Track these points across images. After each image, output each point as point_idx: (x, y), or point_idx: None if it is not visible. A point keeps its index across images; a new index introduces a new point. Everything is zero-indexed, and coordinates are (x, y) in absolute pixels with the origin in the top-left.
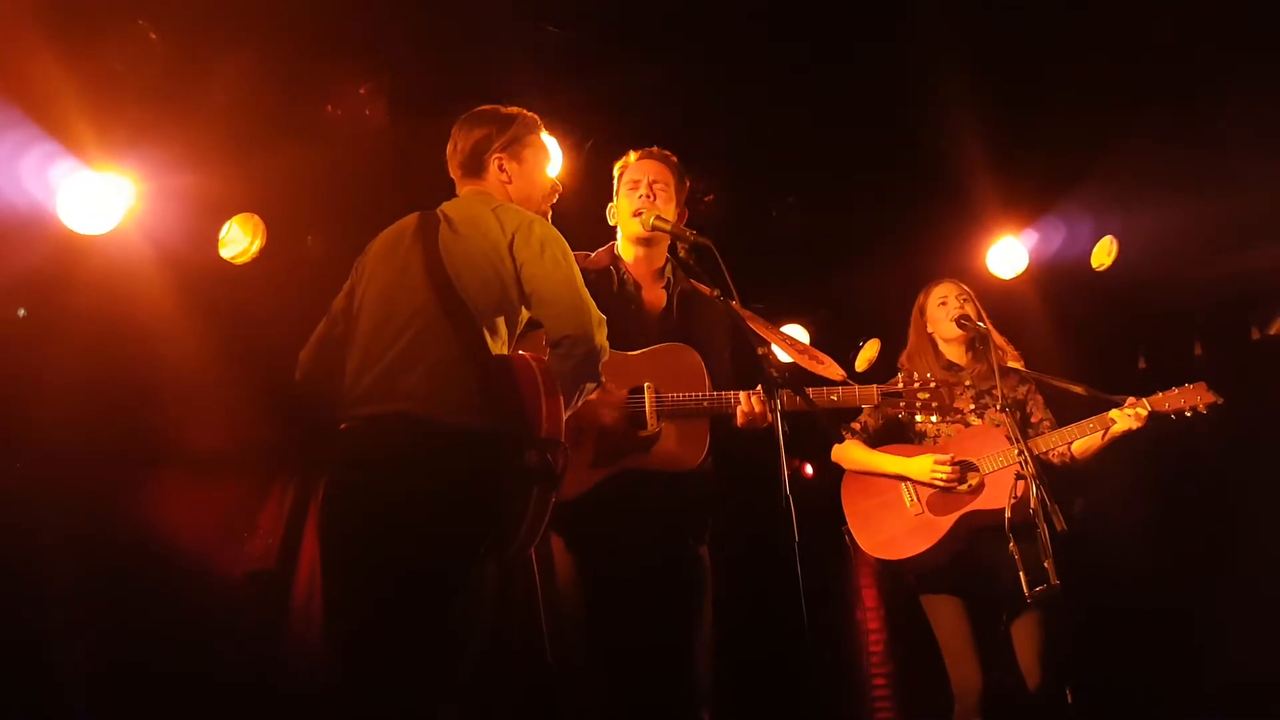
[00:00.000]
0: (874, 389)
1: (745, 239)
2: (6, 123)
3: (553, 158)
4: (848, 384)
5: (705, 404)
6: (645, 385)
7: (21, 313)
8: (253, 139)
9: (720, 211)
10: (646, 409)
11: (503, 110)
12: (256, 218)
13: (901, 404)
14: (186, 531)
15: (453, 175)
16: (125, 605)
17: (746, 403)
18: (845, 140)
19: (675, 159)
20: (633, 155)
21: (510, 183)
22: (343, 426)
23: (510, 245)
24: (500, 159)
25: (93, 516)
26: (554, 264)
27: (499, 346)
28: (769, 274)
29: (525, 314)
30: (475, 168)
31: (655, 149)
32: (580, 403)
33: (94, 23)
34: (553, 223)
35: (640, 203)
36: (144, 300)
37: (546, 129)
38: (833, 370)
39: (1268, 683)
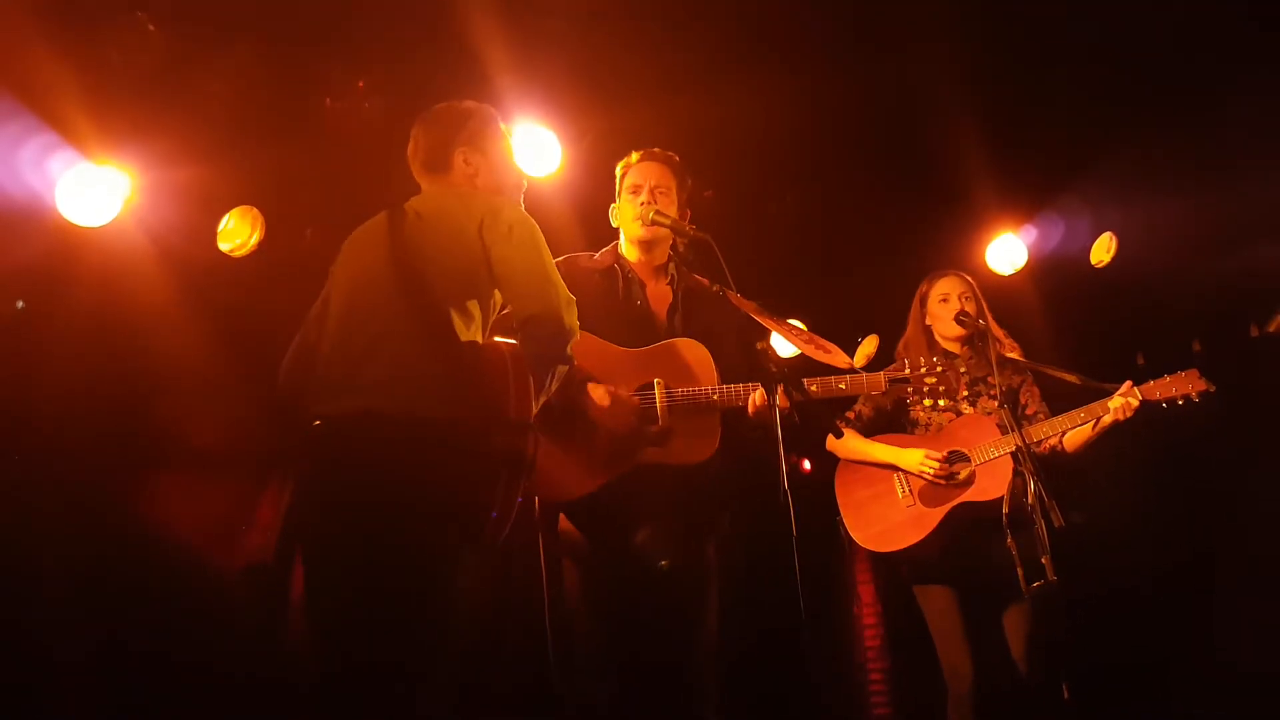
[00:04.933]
0: (881, 376)
1: (744, 234)
2: (5, 114)
3: (516, 147)
4: (855, 372)
5: (715, 397)
6: (655, 381)
7: (20, 305)
8: (252, 132)
9: (720, 207)
10: (657, 405)
11: (459, 105)
12: (255, 211)
13: (909, 389)
14: (184, 525)
15: (416, 175)
16: (123, 600)
17: (759, 395)
18: (845, 137)
19: (677, 159)
20: (634, 156)
21: (477, 175)
22: (315, 424)
23: (479, 229)
24: (464, 153)
25: (90, 510)
26: (521, 245)
27: (473, 332)
28: (768, 269)
29: (499, 297)
30: (439, 164)
31: (657, 150)
32: (554, 386)
33: (92, 14)
34: (552, 216)
35: (641, 209)
36: (142, 293)
37: (543, 123)
38: (839, 358)
39: (1267, 679)
